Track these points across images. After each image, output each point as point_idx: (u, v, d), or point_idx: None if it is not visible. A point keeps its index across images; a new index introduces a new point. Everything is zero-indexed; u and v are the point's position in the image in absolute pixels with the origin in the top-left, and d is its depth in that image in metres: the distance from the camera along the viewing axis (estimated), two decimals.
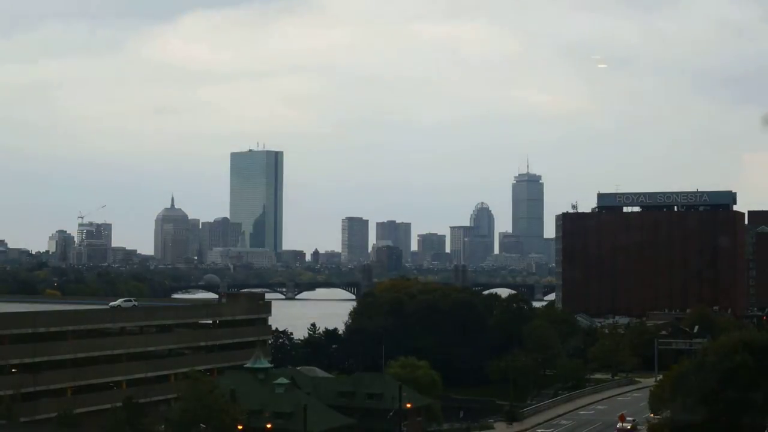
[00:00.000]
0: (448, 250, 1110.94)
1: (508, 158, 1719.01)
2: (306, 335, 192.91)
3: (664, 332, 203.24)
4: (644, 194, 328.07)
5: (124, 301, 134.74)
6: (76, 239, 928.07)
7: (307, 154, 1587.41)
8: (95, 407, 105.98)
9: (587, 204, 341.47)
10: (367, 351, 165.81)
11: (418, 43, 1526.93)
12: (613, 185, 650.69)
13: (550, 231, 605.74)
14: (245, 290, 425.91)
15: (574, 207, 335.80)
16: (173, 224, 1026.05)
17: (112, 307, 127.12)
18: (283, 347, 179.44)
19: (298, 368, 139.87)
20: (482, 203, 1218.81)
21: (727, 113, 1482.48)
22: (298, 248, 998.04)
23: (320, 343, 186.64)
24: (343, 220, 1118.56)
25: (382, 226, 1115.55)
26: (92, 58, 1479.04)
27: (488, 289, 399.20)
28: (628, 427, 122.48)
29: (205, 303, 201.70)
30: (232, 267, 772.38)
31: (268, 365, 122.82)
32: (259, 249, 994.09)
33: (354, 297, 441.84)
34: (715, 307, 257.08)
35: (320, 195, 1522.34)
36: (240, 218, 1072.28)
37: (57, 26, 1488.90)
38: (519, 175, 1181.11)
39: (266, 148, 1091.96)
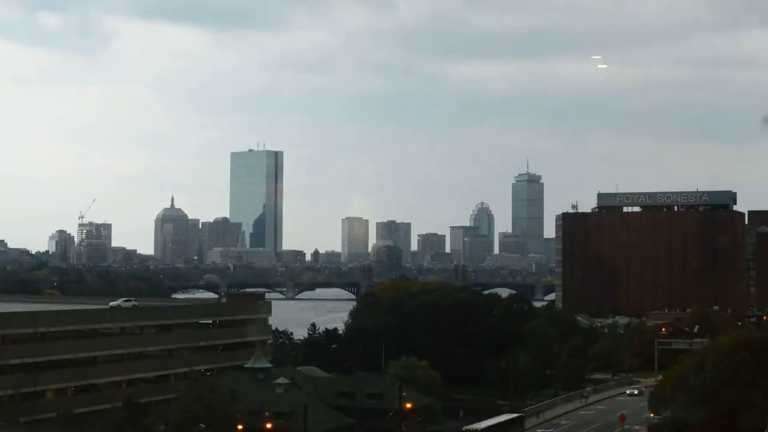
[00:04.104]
0: (448, 250, 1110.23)
1: (508, 158, 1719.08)
2: (306, 335, 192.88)
3: (664, 332, 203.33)
4: (644, 194, 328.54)
5: (124, 301, 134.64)
6: (76, 239, 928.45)
7: (307, 154, 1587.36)
8: (95, 407, 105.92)
9: (587, 204, 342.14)
10: (367, 351, 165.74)
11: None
12: (613, 185, 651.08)
13: (550, 231, 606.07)
14: (245, 290, 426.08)
15: (574, 207, 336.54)
16: (173, 224, 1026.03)
17: (112, 307, 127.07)
18: (283, 347, 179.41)
19: (298, 368, 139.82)
20: (482, 203, 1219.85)
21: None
22: (298, 248, 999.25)
23: (320, 343, 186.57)
24: (343, 220, 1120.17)
25: (382, 226, 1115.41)
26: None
27: (488, 289, 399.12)
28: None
29: (205, 303, 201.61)
30: (232, 267, 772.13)
31: (268, 365, 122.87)
32: (259, 249, 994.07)
33: (354, 297, 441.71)
34: (715, 307, 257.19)
35: (320, 195, 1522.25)
36: (240, 218, 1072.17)
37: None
38: (519, 175, 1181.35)
39: (266, 148, 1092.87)
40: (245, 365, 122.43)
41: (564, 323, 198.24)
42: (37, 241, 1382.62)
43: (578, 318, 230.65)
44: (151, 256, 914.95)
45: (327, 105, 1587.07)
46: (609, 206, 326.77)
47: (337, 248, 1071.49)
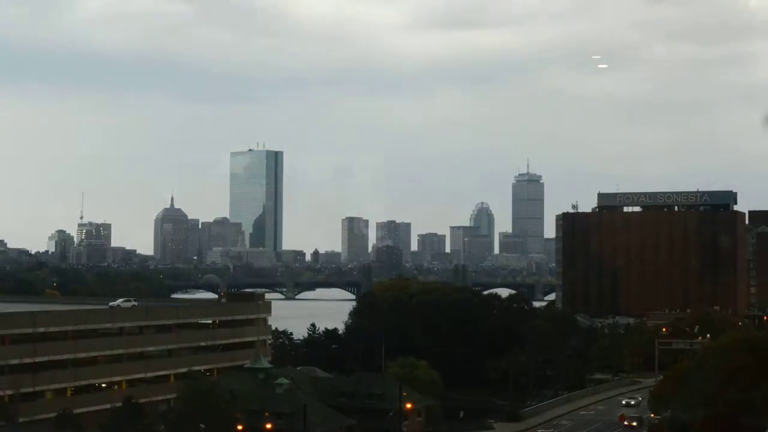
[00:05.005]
0: (448, 250, 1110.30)
1: (508, 158, 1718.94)
2: (306, 335, 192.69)
3: (664, 332, 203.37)
4: (644, 194, 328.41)
5: (124, 301, 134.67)
6: (75, 239, 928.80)
7: (307, 153, 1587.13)
8: (95, 407, 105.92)
9: (587, 204, 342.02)
10: (367, 351, 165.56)
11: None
12: (613, 185, 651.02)
13: (550, 231, 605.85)
14: (245, 290, 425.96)
15: (574, 207, 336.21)
16: (173, 224, 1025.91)
17: (112, 307, 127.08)
18: (283, 347, 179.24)
19: (298, 368, 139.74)
20: (482, 203, 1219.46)
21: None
22: (298, 248, 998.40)
23: (320, 343, 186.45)
24: (343, 220, 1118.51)
25: (382, 226, 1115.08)
26: None
27: (488, 289, 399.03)
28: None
29: (205, 303, 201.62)
30: (232, 267, 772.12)
31: (268, 365, 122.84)
32: (259, 249, 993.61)
33: (354, 297, 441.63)
34: (715, 307, 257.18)
35: (320, 195, 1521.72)
36: (240, 218, 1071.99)
37: None
38: (519, 175, 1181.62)
39: (266, 148, 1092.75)
40: (245, 365, 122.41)
41: (564, 323, 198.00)
42: (37, 241, 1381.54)
43: (578, 318, 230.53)
44: (151, 256, 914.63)
45: (327, 104, 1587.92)
46: (609, 206, 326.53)
47: (337, 248, 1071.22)
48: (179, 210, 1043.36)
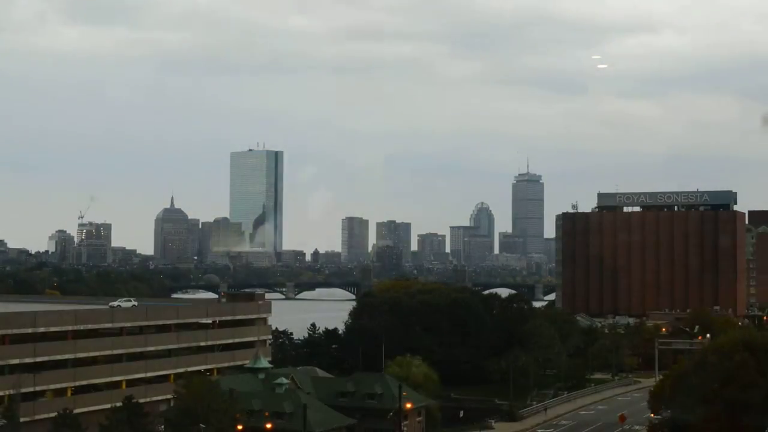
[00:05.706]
0: (448, 250, 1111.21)
1: (508, 158, 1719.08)
2: (306, 335, 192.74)
3: (664, 332, 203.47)
4: (644, 194, 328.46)
5: (124, 301, 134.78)
6: (75, 239, 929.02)
7: (307, 153, 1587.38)
8: (95, 407, 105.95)
9: (587, 204, 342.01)
10: (367, 351, 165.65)
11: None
12: (613, 185, 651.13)
13: (550, 231, 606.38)
14: (245, 290, 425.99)
15: (574, 207, 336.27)
16: (173, 224, 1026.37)
17: (112, 307, 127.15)
18: (283, 347, 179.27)
19: (298, 368, 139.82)
20: (482, 203, 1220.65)
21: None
22: (298, 248, 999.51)
23: (320, 343, 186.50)
24: (343, 220, 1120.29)
25: (382, 226, 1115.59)
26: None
27: (488, 289, 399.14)
28: None
29: (205, 303, 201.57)
30: (232, 267, 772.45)
31: (268, 365, 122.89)
32: (259, 249, 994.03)
33: (354, 297, 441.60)
34: (715, 307, 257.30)
35: (320, 195, 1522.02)
36: (240, 218, 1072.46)
37: None
38: (519, 175, 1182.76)
39: (266, 148, 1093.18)
40: (245, 365, 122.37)
41: (564, 323, 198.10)
42: (37, 241, 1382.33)
43: (578, 318, 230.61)
44: (151, 256, 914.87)
45: (328, 104, 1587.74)
46: (609, 206, 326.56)
47: (337, 248, 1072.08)
48: (179, 210, 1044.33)
